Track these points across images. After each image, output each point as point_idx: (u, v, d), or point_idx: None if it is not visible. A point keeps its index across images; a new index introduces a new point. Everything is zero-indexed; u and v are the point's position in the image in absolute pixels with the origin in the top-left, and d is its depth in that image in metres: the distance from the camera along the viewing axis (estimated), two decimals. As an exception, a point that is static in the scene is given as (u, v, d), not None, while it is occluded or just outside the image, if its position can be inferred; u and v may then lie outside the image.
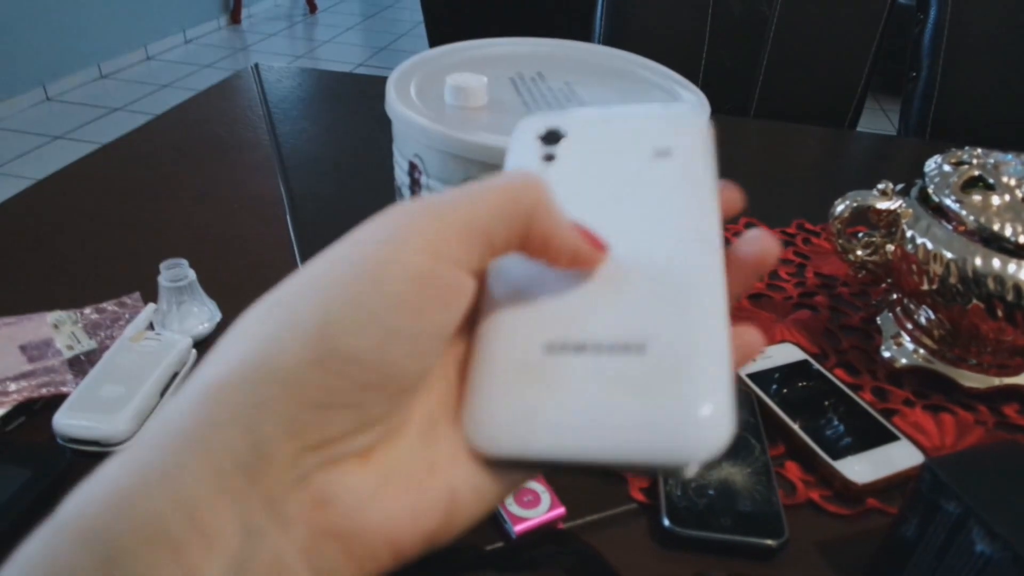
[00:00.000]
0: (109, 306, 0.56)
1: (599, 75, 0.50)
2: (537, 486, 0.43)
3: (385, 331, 0.19)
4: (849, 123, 1.13)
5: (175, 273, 0.54)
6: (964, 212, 0.48)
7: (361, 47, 3.74)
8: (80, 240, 0.67)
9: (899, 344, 0.54)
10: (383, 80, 0.44)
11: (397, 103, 0.42)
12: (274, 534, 0.18)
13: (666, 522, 0.41)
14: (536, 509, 0.42)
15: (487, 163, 0.40)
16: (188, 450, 0.17)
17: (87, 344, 0.52)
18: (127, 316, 0.55)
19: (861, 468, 0.45)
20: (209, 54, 3.46)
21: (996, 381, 0.51)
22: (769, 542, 0.40)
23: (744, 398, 0.50)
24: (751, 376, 0.52)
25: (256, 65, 1.07)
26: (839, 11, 1.07)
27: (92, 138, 2.56)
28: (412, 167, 0.44)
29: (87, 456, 0.45)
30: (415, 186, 0.45)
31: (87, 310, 0.56)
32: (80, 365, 0.51)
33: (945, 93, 1.06)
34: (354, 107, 0.97)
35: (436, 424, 0.22)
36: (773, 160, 0.91)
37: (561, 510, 0.42)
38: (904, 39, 1.11)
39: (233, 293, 0.58)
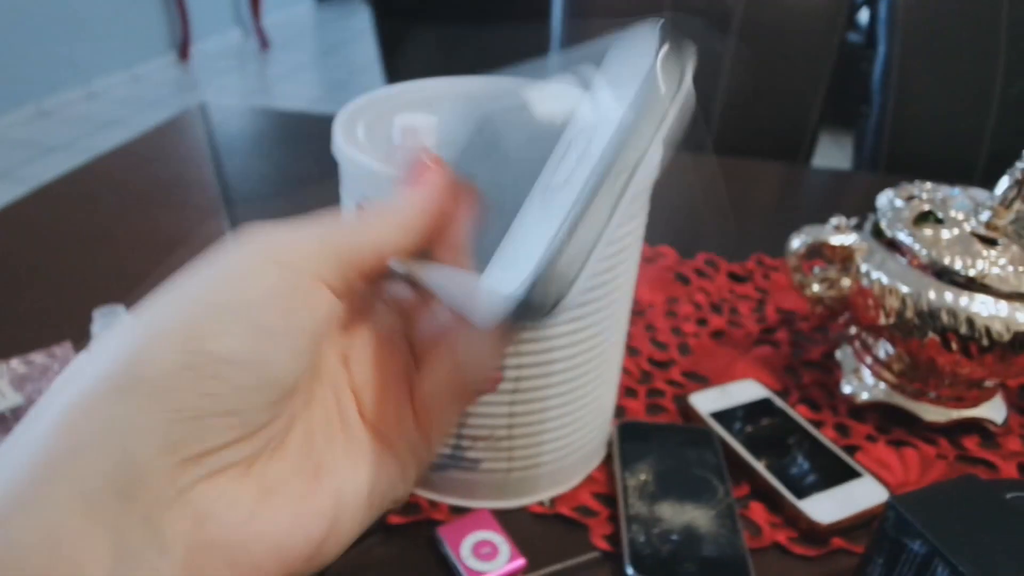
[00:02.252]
0: (37, 357, 0.53)
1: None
2: (495, 537, 0.41)
3: (254, 328, 0.19)
4: (803, 157, 1.15)
5: (110, 321, 0.51)
6: (917, 246, 0.48)
7: (316, 84, 3.73)
8: (7, 287, 0.63)
9: (859, 379, 0.54)
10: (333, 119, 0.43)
11: (343, 144, 0.40)
12: (151, 556, 0.17)
13: (629, 570, 0.40)
14: (495, 561, 0.40)
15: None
16: (52, 478, 0.16)
17: (13, 399, 0.49)
18: (56, 368, 0.52)
19: (826, 507, 0.44)
20: (157, 91, 3.41)
21: (955, 414, 0.51)
22: (736, 588, 0.39)
23: (707, 438, 0.49)
24: (714, 415, 0.51)
25: (202, 104, 1.05)
26: (790, 49, 1.10)
27: (28, 178, 2.48)
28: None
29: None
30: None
31: (13, 362, 0.53)
32: (6, 423, 0.48)
33: (897, 128, 1.09)
34: (303, 147, 0.96)
35: (316, 436, 0.22)
36: (730, 195, 0.92)
37: (521, 561, 0.41)
38: (855, 75, 1.14)
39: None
